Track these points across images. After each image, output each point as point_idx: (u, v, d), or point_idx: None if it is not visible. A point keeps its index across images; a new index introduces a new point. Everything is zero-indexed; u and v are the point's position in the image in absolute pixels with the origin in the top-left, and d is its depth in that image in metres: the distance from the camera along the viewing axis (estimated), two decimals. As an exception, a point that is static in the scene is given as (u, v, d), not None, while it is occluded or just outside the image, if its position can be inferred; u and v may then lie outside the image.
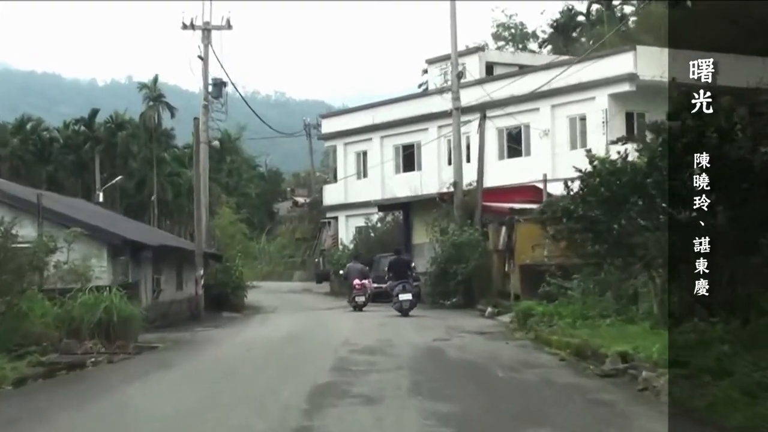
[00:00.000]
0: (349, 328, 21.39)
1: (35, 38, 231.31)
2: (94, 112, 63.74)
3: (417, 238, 37.50)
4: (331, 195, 49.72)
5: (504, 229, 25.72)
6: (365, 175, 47.69)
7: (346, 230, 47.23)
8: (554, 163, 36.08)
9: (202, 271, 29.04)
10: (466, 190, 32.16)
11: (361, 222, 44.70)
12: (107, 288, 19.12)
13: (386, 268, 27.37)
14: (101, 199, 45.40)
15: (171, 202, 60.72)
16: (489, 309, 24.54)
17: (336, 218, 49.42)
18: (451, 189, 32.78)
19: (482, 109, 31.82)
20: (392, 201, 40.41)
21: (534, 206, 22.53)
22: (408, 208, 38.38)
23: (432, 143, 42.89)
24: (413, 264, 27.34)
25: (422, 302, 27.87)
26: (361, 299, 28.23)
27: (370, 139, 46.89)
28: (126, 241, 23.57)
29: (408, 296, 24.47)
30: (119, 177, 51.33)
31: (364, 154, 47.59)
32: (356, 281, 28.63)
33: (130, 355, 17.19)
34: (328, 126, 50.32)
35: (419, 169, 44.24)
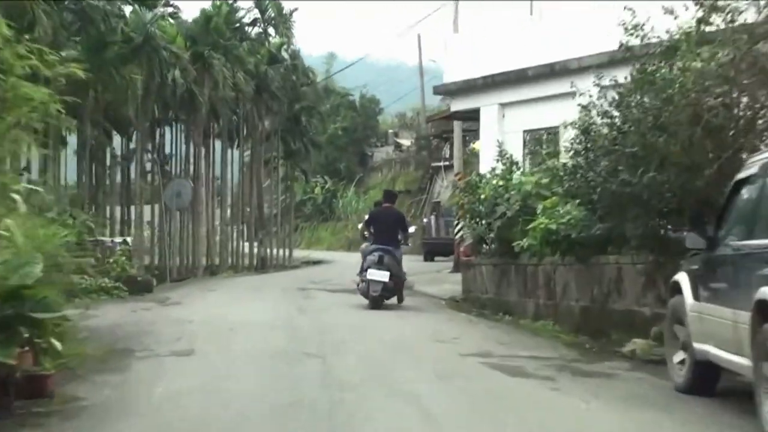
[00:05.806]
0: None
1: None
2: None
3: None
4: (462, 63, 21.16)
5: None
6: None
7: (501, 138, 18.81)
8: None
9: None
10: None
11: (540, 119, 16.85)
12: None
13: (364, 223, 16.08)
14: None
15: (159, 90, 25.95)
16: None
17: (475, 113, 20.93)
18: None
19: None
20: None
21: None
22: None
23: None
24: (408, 221, 16.56)
25: None
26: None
27: None
28: None
29: (383, 276, 13.92)
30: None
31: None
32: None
33: None
34: None
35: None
